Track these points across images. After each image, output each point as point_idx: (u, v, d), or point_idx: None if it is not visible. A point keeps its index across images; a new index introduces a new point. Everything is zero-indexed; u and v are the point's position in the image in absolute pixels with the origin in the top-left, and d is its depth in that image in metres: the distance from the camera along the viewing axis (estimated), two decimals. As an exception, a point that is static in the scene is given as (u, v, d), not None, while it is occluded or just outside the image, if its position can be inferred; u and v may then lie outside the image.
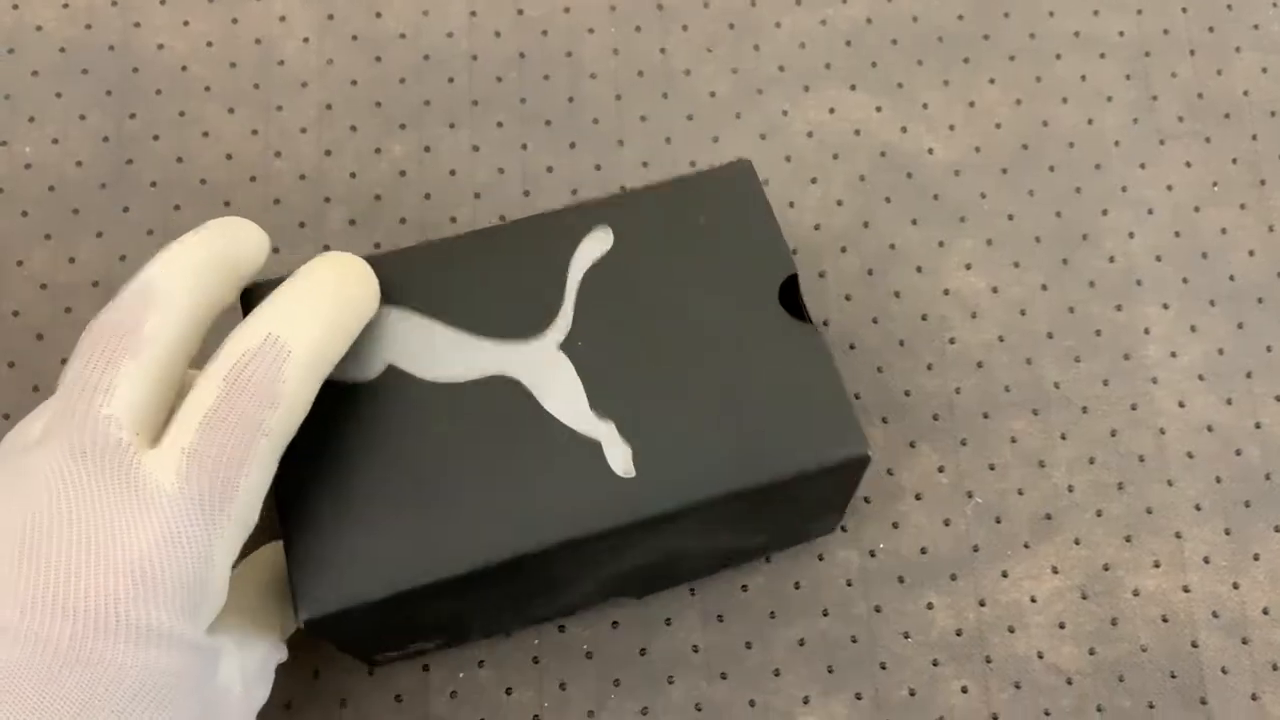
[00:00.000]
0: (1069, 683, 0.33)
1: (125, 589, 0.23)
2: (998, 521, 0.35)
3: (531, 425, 0.28)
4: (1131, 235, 0.37)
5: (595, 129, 0.38)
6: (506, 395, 0.28)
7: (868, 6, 0.40)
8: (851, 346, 0.36)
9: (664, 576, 0.32)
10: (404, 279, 0.29)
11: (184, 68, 0.38)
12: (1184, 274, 0.37)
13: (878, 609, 0.34)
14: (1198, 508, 0.35)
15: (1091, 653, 0.33)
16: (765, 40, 0.39)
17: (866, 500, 0.35)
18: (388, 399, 0.28)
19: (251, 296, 0.28)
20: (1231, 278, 0.37)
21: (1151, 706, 0.33)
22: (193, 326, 0.26)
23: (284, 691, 0.32)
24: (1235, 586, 0.34)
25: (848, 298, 0.37)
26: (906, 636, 0.34)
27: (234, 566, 0.26)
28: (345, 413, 0.28)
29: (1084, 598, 0.34)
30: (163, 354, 0.25)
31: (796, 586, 0.34)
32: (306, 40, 0.39)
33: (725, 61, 0.39)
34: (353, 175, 0.37)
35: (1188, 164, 0.38)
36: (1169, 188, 0.38)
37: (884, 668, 0.33)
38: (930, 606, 0.34)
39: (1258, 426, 0.36)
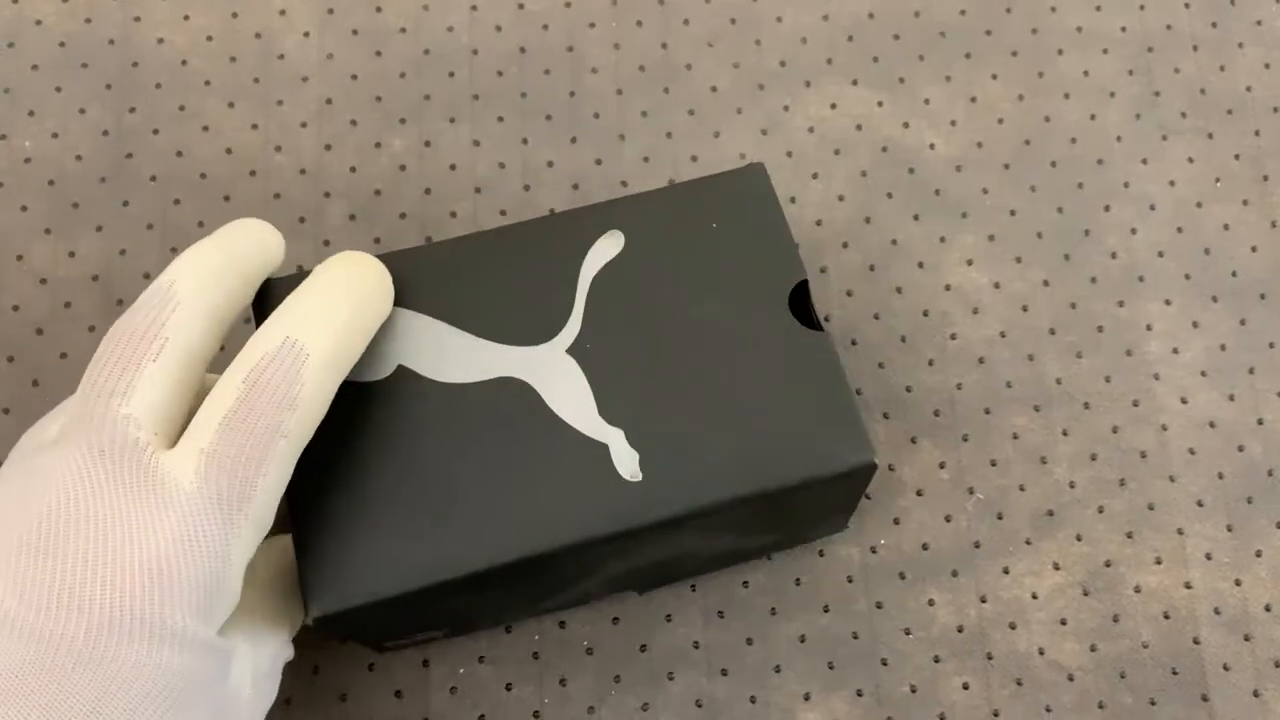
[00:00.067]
0: (1070, 679, 0.33)
1: (141, 588, 0.23)
2: (999, 518, 0.35)
3: (540, 427, 0.28)
4: (1134, 231, 0.37)
5: (596, 124, 0.38)
6: (515, 397, 0.28)
7: (869, 2, 0.40)
8: (853, 342, 0.36)
9: (669, 574, 0.32)
10: (415, 280, 0.29)
11: (184, 62, 0.38)
12: (1186, 270, 0.37)
13: (879, 605, 0.34)
14: (1200, 504, 0.35)
15: (1093, 649, 0.33)
16: (766, 35, 0.39)
17: (868, 496, 0.35)
18: (398, 399, 0.28)
19: (263, 293, 0.28)
20: (1234, 274, 0.37)
21: (1153, 703, 0.33)
22: (212, 329, 0.26)
23: (284, 688, 0.32)
24: (1237, 583, 0.34)
25: (849, 293, 0.36)
26: (907, 633, 0.33)
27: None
28: (356, 412, 0.28)
29: (1085, 594, 0.34)
30: (182, 356, 0.25)
31: (797, 583, 0.34)
32: (307, 34, 0.39)
33: (726, 56, 0.39)
34: (353, 170, 0.37)
35: (1190, 160, 0.38)
36: (1171, 183, 0.38)
37: (885, 664, 0.33)
38: (931, 603, 0.34)
39: (1260, 422, 0.36)
